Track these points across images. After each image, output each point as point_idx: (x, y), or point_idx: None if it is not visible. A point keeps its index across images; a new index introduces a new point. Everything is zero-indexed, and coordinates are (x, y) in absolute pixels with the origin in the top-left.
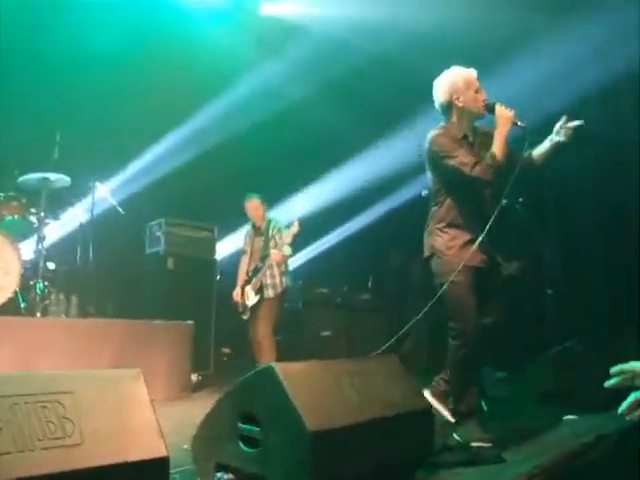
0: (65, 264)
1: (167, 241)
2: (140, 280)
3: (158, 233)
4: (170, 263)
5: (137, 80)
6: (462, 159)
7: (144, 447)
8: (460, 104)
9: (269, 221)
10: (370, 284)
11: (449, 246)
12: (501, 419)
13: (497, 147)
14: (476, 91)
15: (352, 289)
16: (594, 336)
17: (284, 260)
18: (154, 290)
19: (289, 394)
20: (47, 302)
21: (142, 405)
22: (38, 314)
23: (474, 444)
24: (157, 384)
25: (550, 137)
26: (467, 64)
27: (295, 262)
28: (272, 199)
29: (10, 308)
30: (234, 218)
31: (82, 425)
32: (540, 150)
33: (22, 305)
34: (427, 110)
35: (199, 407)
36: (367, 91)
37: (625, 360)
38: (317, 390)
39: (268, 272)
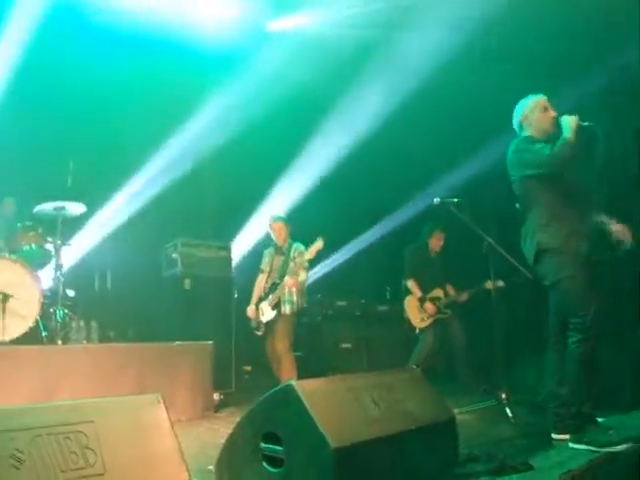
0: (84, 290)
1: (183, 262)
2: (158, 302)
3: (174, 255)
4: (187, 284)
5: (143, 105)
6: (541, 146)
7: (166, 473)
8: (528, 122)
9: (291, 243)
10: (388, 295)
11: (557, 237)
12: (525, 422)
13: (569, 133)
14: (542, 111)
15: (370, 301)
16: (616, 336)
17: (296, 285)
18: (172, 312)
19: (310, 411)
20: (67, 329)
21: (163, 431)
22: (59, 342)
23: (612, 448)
24: (180, 405)
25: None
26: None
27: (313, 276)
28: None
29: (32, 337)
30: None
31: (104, 454)
32: None
33: (43, 334)
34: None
35: (222, 427)
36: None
37: None
38: (338, 406)
39: (287, 289)
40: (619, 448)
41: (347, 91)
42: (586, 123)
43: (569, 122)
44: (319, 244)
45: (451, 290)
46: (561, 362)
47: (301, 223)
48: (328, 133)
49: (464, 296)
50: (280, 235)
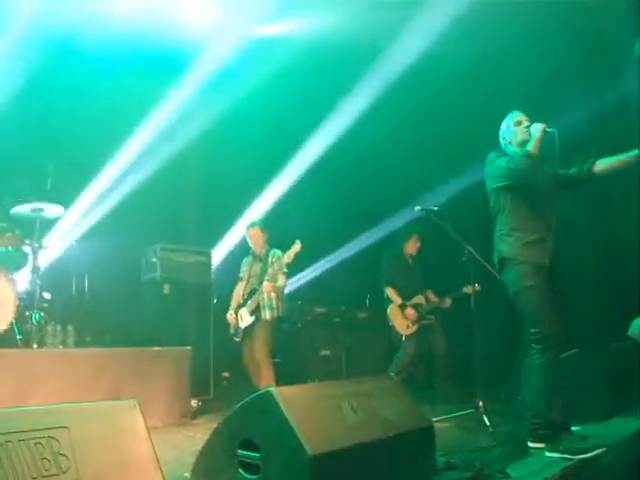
0: (61, 294)
1: (163, 267)
2: (136, 307)
3: (153, 259)
4: (166, 289)
5: (124, 107)
6: (506, 159)
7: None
8: (507, 141)
9: (269, 249)
10: (368, 302)
11: (516, 247)
12: (502, 431)
13: (531, 145)
14: (516, 125)
15: (350, 308)
16: (594, 345)
17: (274, 290)
18: (151, 316)
19: (288, 418)
20: (43, 333)
21: (139, 437)
22: (35, 345)
23: (586, 455)
24: (157, 411)
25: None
26: None
27: (292, 285)
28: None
29: (6, 340)
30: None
31: (78, 460)
32: (613, 161)
33: (18, 337)
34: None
35: (200, 433)
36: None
37: (625, 370)
38: (316, 413)
39: (266, 295)
40: (592, 454)
41: (332, 98)
42: (550, 129)
43: (535, 131)
44: (297, 247)
45: (432, 296)
46: None
47: (282, 231)
48: (313, 141)
49: (447, 302)
50: (257, 241)
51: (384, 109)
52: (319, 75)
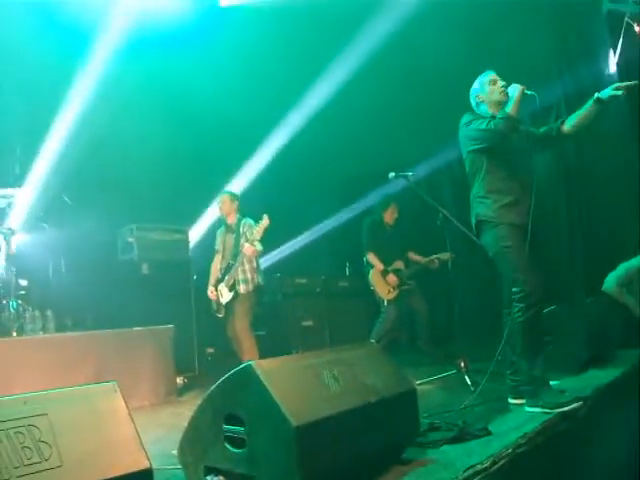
0: (37, 279)
1: (140, 246)
2: (116, 288)
3: (130, 239)
4: (145, 268)
5: (97, 87)
6: (481, 121)
7: (125, 461)
8: (481, 99)
9: (240, 218)
10: (348, 271)
11: (493, 209)
12: (484, 389)
13: (510, 107)
14: (491, 84)
15: (330, 277)
16: (571, 301)
17: (255, 254)
18: (131, 297)
19: (270, 391)
20: (22, 320)
21: (120, 419)
22: (14, 333)
23: (564, 408)
24: (143, 391)
25: (594, 98)
26: None
27: (272, 258)
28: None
29: None
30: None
31: (60, 447)
32: (578, 117)
33: None
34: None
35: (186, 410)
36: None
37: (600, 324)
38: (298, 384)
39: (240, 269)
40: (570, 407)
41: (305, 68)
42: (530, 92)
43: (515, 92)
44: (265, 222)
45: (414, 256)
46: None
47: (261, 206)
48: (292, 114)
49: (435, 262)
50: (227, 211)
51: (363, 81)
52: (298, 45)
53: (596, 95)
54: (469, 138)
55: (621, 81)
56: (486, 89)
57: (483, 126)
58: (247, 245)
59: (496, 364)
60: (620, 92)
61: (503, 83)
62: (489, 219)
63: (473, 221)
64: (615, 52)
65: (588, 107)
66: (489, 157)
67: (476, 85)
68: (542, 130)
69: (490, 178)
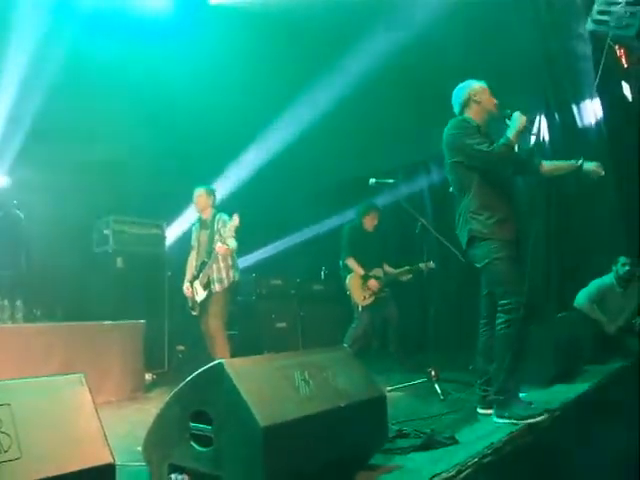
0: (8, 268)
1: (115, 239)
2: (89, 280)
3: (106, 231)
4: (120, 262)
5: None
6: (480, 140)
7: (88, 455)
8: (477, 98)
9: (215, 214)
10: (323, 274)
11: (486, 225)
12: (453, 399)
13: (512, 133)
14: (488, 95)
15: (305, 280)
16: (540, 314)
17: (229, 253)
18: (104, 290)
19: (239, 390)
20: None
21: (86, 413)
22: None
23: (531, 420)
24: (110, 386)
25: (578, 162)
26: None
27: (248, 260)
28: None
29: None
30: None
31: (20, 438)
32: (556, 165)
33: None
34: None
35: (153, 407)
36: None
37: (570, 340)
38: (268, 385)
39: (215, 266)
40: (537, 419)
41: (294, 67)
42: (534, 132)
43: (518, 121)
44: (235, 221)
45: (389, 269)
46: (489, 341)
47: (241, 209)
48: (276, 118)
49: (407, 275)
50: (203, 206)
51: (351, 90)
52: (292, 48)
53: (580, 162)
54: (460, 151)
55: (600, 101)
56: (484, 96)
57: (484, 148)
58: (219, 244)
59: (467, 374)
60: (600, 175)
61: (497, 101)
62: (483, 235)
63: (466, 236)
64: (597, 71)
65: (569, 164)
66: (481, 174)
67: (473, 84)
68: (523, 155)
69: (481, 193)
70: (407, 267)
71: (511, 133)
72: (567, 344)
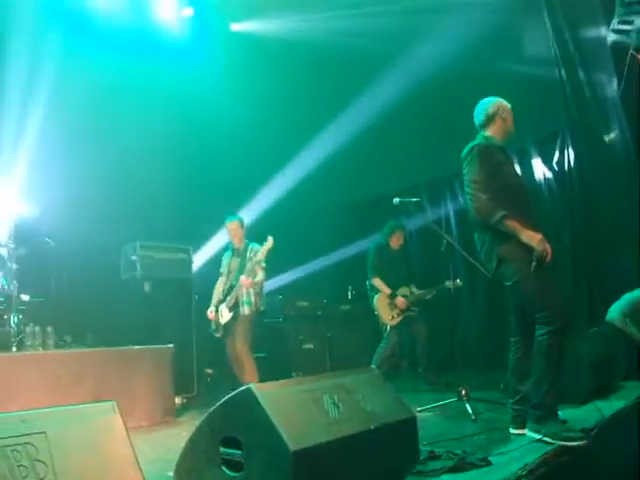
0: (39, 295)
1: (143, 265)
2: (117, 306)
3: (133, 257)
4: (147, 287)
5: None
6: (484, 187)
7: None
8: (504, 116)
9: (247, 243)
10: (350, 295)
11: (514, 247)
12: (485, 418)
13: (523, 236)
14: (510, 114)
15: (332, 301)
16: (575, 331)
17: (251, 285)
18: (132, 315)
19: (269, 414)
20: (22, 335)
21: (118, 438)
22: (14, 349)
23: (568, 443)
24: (140, 411)
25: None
26: None
27: (276, 283)
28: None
29: None
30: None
31: (56, 466)
32: None
33: None
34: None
35: (184, 431)
36: None
37: (604, 355)
38: (297, 409)
39: (244, 290)
40: (573, 444)
41: (321, 92)
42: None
43: (538, 244)
44: (269, 243)
45: (415, 290)
46: (521, 360)
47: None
48: (302, 143)
49: (431, 292)
50: (235, 235)
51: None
52: (324, 75)
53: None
54: (470, 181)
55: (624, 111)
56: (508, 114)
57: (481, 196)
58: (243, 277)
59: (497, 393)
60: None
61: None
62: (513, 255)
63: (494, 261)
64: (620, 83)
65: None
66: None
67: (502, 100)
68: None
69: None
70: (434, 287)
71: (523, 236)
72: (602, 359)
